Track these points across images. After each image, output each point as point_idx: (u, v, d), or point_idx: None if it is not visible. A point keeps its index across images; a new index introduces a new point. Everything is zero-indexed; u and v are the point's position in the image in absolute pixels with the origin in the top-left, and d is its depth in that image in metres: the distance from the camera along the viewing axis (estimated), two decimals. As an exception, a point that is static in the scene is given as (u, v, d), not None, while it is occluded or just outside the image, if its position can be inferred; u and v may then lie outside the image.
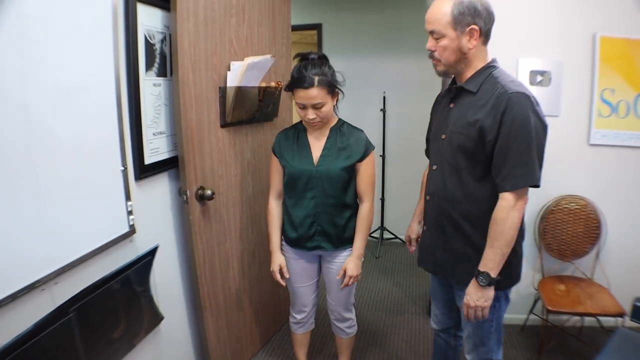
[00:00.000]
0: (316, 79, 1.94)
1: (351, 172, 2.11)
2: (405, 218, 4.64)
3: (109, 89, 1.74)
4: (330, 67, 2.03)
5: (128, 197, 1.86)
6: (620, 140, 2.75)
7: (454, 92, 1.76)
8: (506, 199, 1.58)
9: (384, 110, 4.56)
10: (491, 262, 1.61)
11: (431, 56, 1.70)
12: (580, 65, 2.74)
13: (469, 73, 1.69)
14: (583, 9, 2.68)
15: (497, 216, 1.59)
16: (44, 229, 1.45)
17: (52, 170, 1.47)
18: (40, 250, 1.44)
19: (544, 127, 1.58)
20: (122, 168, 1.82)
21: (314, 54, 2.04)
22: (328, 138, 2.12)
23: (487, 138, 1.59)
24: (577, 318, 2.90)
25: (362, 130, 2.16)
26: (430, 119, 1.99)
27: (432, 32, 1.64)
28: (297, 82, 1.96)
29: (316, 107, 1.99)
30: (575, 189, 2.80)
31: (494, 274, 1.61)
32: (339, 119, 2.17)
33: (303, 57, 2.05)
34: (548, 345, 2.78)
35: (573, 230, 2.76)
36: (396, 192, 4.77)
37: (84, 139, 1.62)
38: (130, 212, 1.87)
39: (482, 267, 1.62)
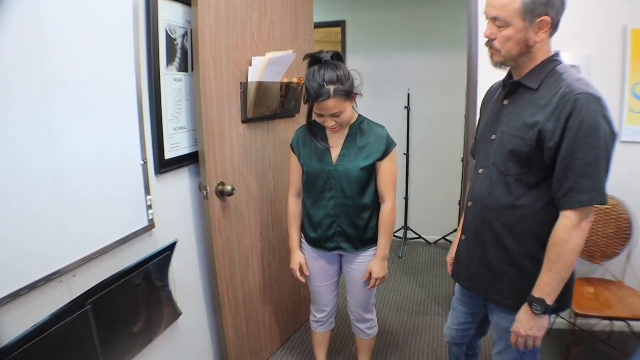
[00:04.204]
0: (332, 89, 1.84)
1: (371, 172, 2.06)
2: (430, 218, 4.69)
3: (129, 84, 1.74)
4: (345, 69, 1.91)
5: (148, 192, 1.86)
6: (653, 137, 2.65)
7: (509, 87, 1.56)
8: (569, 217, 1.39)
9: (408, 108, 4.51)
10: (548, 287, 1.43)
11: (489, 45, 1.48)
12: (611, 60, 2.64)
13: (529, 67, 1.48)
14: (614, 2, 2.59)
15: (558, 236, 1.40)
16: (62, 221, 1.45)
17: (72, 162, 1.48)
18: (58, 242, 1.44)
19: (613, 137, 1.37)
20: (142, 162, 1.82)
21: (326, 53, 1.93)
22: (348, 136, 2.06)
23: (547, 144, 1.39)
24: (606, 322, 2.81)
25: (383, 127, 2.09)
26: (479, 117, 1.79)
27: (494, 19, 1.42)
28: (313, 97, 1.87)
29: (335, 115, 1.93)
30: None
31: (550, 301, 1.43)
32: (359, 116, 2.10)
33: (314, 60, 1.96)
34: (576, 351, 2.69)
35: (603, 231, 2.68)
36: (420, 191, 4.71)
37: (104, 132, 1.62)
38: (149, 207, 1.87)
39: (537, 293, 1.45)
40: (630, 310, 2.39)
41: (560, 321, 2.89)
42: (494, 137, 1.58)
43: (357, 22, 4.61)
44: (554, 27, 1.43)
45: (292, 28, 2.68)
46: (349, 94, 1.92)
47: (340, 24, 4.65)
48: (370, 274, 2.12)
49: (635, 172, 2.69)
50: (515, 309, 1.54)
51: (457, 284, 1.89)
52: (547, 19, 1.38)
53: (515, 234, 1.53)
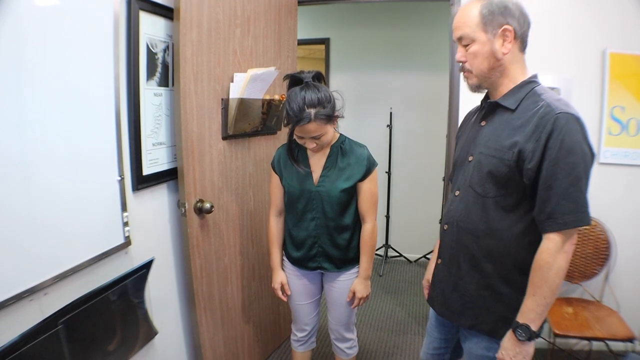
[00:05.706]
0: (312, 112, 1.81)
1: (352, 193, 2.03)
2: (411, 236, 4.68)
3: (107, 98, 1.72)
4: (326, 91, 1.87)
5: (124, 208, 1.82)
6: (630, 159, 2.69)
7: (486, 108, 1.53)
8: (552, 240, 1.35)
9: (390, 126, 4.53)
10: (532, 312, 1.37)
11: (462, 69, 1.49)
12: (590, 82, 2.69)
13: (505, 86, 1.47)
14: (593, 25, 2.65)
15: (542, 260, 1.36)
16: (34, 238, 1.41)
17: (45, 177, 1.44)
18: (29, 260, 1.40)
19: (592, 158, 1.35)
20: (119, 178, 1.79)
21: (307, 73, 1.91)
22: (329, 157, 2.04)
23: (526, 165, 1.36)
24: (585, 342, 2.81)
25: (364, 146, 2.07)
26: (456, 142, 1.74)
27: (460, 39, 1.44)
28: (293, 120, 1.83)
29: (315, 138, 1.90)
30: (584, 209, 2.72)
31: (535, 326, 1.38)
32: (340, 135, 2.08)
33: (294, 80, 1.94)
34: (555, 370, 2.69)
35: (581, 252, 2.69)
36: (402, 209, 4.71)
37: (80, 146, 1.59)
38: (126, 223, 1.83)
39: (521, 319, 1.39)
40: (608, 330, 2.40)
41: (540, 341, 2.89)
42: (470, 158, 1.54)
43: (341, 40, 4.64)
44: (522, 39, 1.43)
45: (275, 44, 2.68)
46: (330, 117, 1.89)
47: (325, 42, 4.67)
48: (354, 293, 2.10)
49: (613, 193, 2.73)
50: (490, 334, 1.52)
51: (431, 309, 1.83)
52: (509, 27, 1.39)
53: (492, 257, 1.49)
